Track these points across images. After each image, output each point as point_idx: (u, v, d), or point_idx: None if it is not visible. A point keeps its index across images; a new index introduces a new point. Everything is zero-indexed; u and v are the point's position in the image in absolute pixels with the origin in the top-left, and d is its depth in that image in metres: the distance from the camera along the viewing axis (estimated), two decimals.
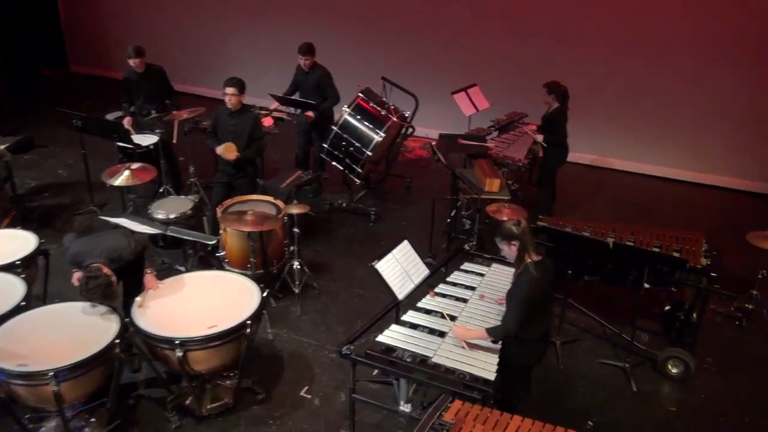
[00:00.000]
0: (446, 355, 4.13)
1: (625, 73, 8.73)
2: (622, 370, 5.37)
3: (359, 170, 7.37)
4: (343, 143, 7.24)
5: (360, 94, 7.37)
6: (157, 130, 7.50)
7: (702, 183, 8.89)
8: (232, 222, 5.43)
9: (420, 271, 4.85)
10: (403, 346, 4.21)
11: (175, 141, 7.38)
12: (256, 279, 5.79)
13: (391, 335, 4.32)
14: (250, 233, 5.60)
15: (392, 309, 4.62)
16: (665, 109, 8.72)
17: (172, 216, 5.86)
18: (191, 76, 11.05)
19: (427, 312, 4.61)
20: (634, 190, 8.77)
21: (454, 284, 4.94)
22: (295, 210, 5.77)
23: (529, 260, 4.06)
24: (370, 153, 7.22)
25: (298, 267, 6.06)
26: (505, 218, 5.72)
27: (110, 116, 7.79)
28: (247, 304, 4.69)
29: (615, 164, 9.27)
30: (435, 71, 9.46)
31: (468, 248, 5.34)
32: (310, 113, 7.36)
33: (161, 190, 7.27)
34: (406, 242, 4.90)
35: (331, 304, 6.17)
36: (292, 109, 7.74)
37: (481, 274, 5.07)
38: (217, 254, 6.09)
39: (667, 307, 5.93)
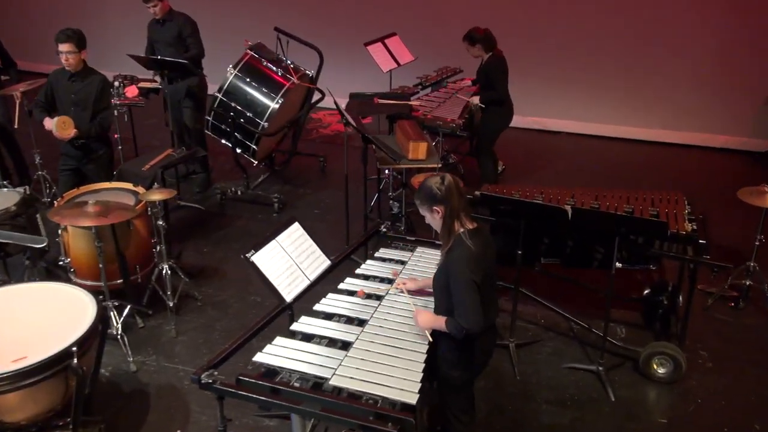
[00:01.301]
0: (349, 374, 3.27)
1: (578, 20, 8.09)
2: (595, 374, 4.66)
3: (254, 147, 6.48)
4: (231, 113, 6.34)
5: (249, 51, 6.48)
6: None
7: (675, 143, 8.39)
8: (67, 216, 4.45)
9: (317, 264, 3.99)
10: (289, 366, 3.34)
11: (16, 125, 6.40)
12: (114, 292, 4.96)
13: (274, 352, 3.45)
14: (97, 230, 4.63)
15: (278, 316, 3.73)
16: (628, 61, 8.14)
17: None
18: (32, 50, 9.83)
19: (327, 317, 3.75)
20: (598, 155, 8.21)
21: (366, 277, 4.10)
22: (156, 196, 4.83)
23: (461, 229, 3.25)
24: (265, 124, 6.33)
25: (169, 272, 5.11)
26: None
27: None
28: (75, 325, 3.74)
29: (572, 127, 8.66)
30: (344, 19, 8.64)
31: (385, 230, 4.50)
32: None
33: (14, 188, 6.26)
34: (296, 225, 4.04)
35: (218, 318, 5.27)
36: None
37: (402, 261, 4.24)
38: (60, 262, 5.10)
39: (646, 291, 5.29)
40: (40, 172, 6.50)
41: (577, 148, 8.46)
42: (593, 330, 4.95)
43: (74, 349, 3.57)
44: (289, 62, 6.59)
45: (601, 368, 4.63)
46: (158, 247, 5.10)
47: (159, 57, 6.26)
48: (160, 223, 4.98)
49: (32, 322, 3.84)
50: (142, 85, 6.72)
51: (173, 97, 6.74)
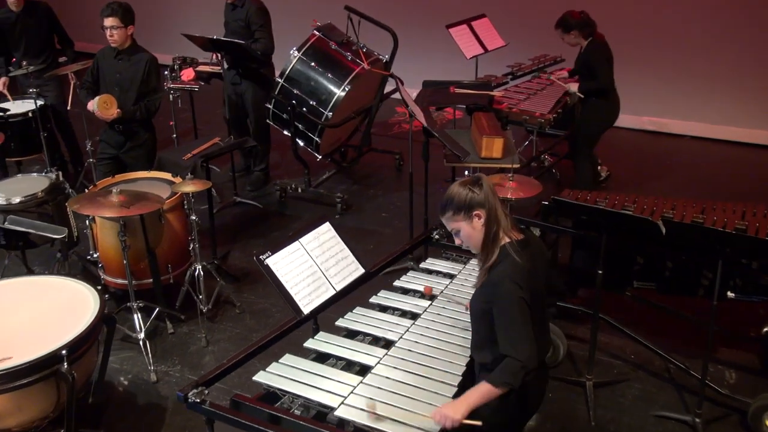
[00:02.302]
0: (361, 404, 2.96)
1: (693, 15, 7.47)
2: (690, 427, 4.14)
3: (317, 140, 6.28)
4: (292, 101, 6.16)
5: (316, 32, 6.30)
6: (46, 93, 6.63)
7: None
8: (87, 204, 4.38)
9: (348, 272, 3.72)
10: (293, 390, 3.08)
11: (69, 107, 6.52)
12: (144, 292, 4.93)
13: (279, 371, 3.21)
14: (125, 223, 4.54)
15: (294, 329, 3.48)
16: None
17: (15, 201, 4.87)
18: (89, 29, 9.96)
19: (351, 334, 3.48)
20: (731, 164, 7.55)
21: (405, 290, 3.79)
22: (188, 188, 4.69)
23: (507, 240, 2.88)
24: (329, 114, 6.13)
25: (202, 274, 4.97)
26: (507, 195, 4.60)
27: None
28: (72, 325, 3.63)
29: (698, 130, 8.05)
30: None
31: (438, 237, 4.17)
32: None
33: (45, 173, 6.37)
34: (327, 225, 3.78)
35: (255, 329, 5.10)
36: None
37: (451, 275, 3.90)
38: (89, 257, 5.08)
39: (766, 329, 4.65)
40: (91, 160, 6.57)
41: (703, 154, 7.78)
42: (692, 372, 4.40)
43: (63, 352, 3.46)
44: (361, 46, 6.36)
45: (698, 420, 4.10)
46: (191, 245, 4.97)
47: (215, 37, 6.17)
48: (194, 218, 4.85)
49: (25, 320, 3.77)
50: (202, 68, 6.68)
51: (232, 81, 6.67)
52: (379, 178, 7.18)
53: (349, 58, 6.24)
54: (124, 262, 4.60)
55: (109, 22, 5.27)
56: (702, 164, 7.53)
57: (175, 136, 6.61)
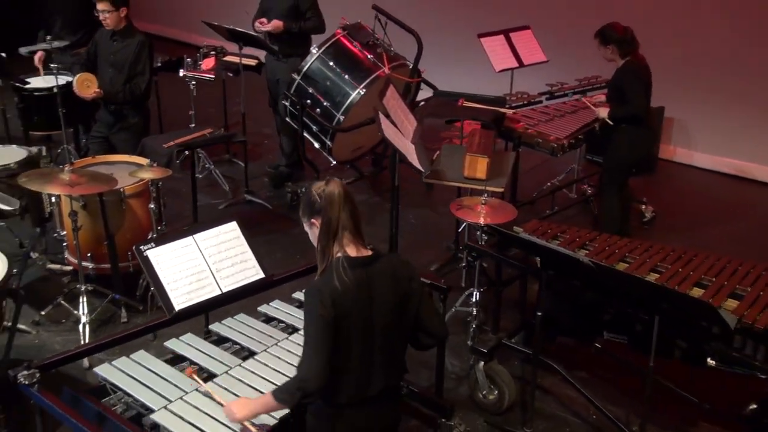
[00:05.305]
0: (182, 411, 2.95)
1: None
2: None
3: (329, 144, 6.30)
4: (306, 101, 6.21)
5: (340, 30, 6.33)
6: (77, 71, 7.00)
7: None
8: (36, 180, 4.57)
9: (245, 276, 3.70)
10: (124, 387, 3.10)
11: None
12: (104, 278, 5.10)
13: (122, 367, 3.25)
14: (86, 203, 4.74)
15: (166, 325, 3.51)
16: None
17: None
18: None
19: (220, 340, 3.47)
20: None
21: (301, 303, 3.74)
22: (147, 174, 4.83)
23: (339, 254, 2.78)
24: (341, 118, 6.13)
25: None
26: (478, 221, 4.46)
27: (25, 50, 7.37)
28: None
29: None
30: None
31: None
32: (278, 22, 6.43)
33: (59, 151, 6.72)
34: (233, 225, 3.79)
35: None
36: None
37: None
38: (55, 234, 5.32)
39: (751, 406, 4.22)
40: (83, 139, 6.80)
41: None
42: None
43: None
44: (388, 48, 6.32)
45: None
46: (151, 234, 5.09)
47: (232, 27, 6.33)
48: (152, 206, 4.98)
49: None
50: (230, 59, 6.85)
51: (271, 76, 6.80)
52: (403, 192, 7.06)
53: (371, 60, 6.22)
54: (74, 242, 4.79)
55: (100, 6, 5.56)
56: None
57: (193, 125, 6.80)
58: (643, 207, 6.51)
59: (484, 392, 4.37)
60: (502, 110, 5.60)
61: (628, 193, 6.01)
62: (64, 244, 5.26)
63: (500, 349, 4.49)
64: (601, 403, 4.26)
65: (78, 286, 4.89)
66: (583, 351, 4.61)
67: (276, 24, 6.42)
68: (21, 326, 4.87)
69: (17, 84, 6.53)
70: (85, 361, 4.73)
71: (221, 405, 2.95)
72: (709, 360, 3.91)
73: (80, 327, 4.82)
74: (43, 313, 5.03)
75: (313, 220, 2.85)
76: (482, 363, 4.35)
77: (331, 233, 2.79)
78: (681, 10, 7.42)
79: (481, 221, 4.48)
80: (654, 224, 6.56)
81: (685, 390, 4.30)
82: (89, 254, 5.08)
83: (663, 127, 7.61)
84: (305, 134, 6.47)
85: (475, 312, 4.92)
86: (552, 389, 4.58)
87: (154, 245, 3.52)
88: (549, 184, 6.79)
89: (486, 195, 4.62)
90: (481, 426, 4.34)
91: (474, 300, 4.97)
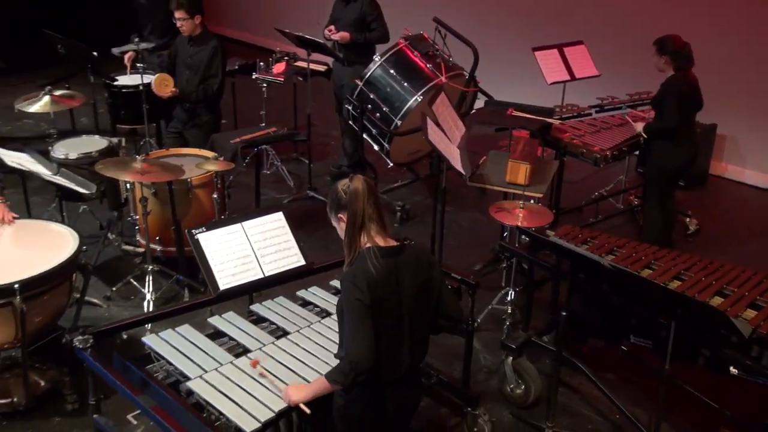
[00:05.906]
0: (215, 381, 3.22)
1: None
2: None
3: (387, 146, 6.53)
4: (369, 106, 6.46)
5: (402, 41, 6.55)
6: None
7: None
8: (109, 167, 4.95)
9: (287, 262, 3.95)
10: (167, 357, 3.39)
11: None
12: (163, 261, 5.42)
13: (168, 338, 3.54)
14: (156, 191, 5.12)
15: (208, 304, 3.80)
16: None
17: (72, 156, 5.58)
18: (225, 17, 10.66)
19: (259, 320, 3.74)
20: None
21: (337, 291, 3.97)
22: (213, 167, 5.16)
23: (368, 244, 3.00)
24: (398, 122, 6.35)
25: None
26: (515, 223, 4.62)
27: (117, 50, 7.83)
28: (38, 265, 4.15)
29: None
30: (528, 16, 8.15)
31: None
32: (345, 33, 6.73)
33: (142, 143, 7.16)
34: (278, 215, 4.06)
35: None
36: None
37: None
38: (129, 218, 5.71)
39: None
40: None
41: None
42: None
43: (16, 287, 3.97)
44: (447, 58, 6.52)
45: None
46: None
47: (301, 34, 6.63)
48: (214, 196, 5.30)
49: (9, 256, 4.35)
50: (300, 64, 7.15)
51: (337, 81, 7.08)
52: (457, 195, 7.23)
53: (430, 69, 6.42)
54: (144, 225, 5.16)
55: (177, 14, 5.93)
56: None
57: (263, 125, 7.12)
58: (688, 219, 6.52)
59: (512, 386, 4.53)
60: (549, 120, 5.72)
61: (673, 205, 6.04)
62: (136, 227, 5.64)
63: (530, 347, 4.65)
64: (624, 404, 4.38)
65: (146, 266, 5.25)
66: (611, 353, 4.74)
67: (343, 35, 6.71)
68: (94, 300, 5.30)
69: (107, 81, 6.98)
70: (147, 332, 5.09)
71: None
72: (731, 369, 3.98)
73: (144, 303, 5.18)
74: (114, 289, 5.42)
75: (340, 215, 3.05)
76: (511, 358, 4.50)
77: (358, 225, 3.00)
78: (736, 32, 7.37)
79: (518, 224, 4.64)
80: (698, 237, 6.56)
81: (707, 397, 4.38)
82: (158, 237, 5.43)
83: (715, 144, 7.58)
84: (365, 136, 6.72)
85: (510, 310, 5.11)
86: (579, 388, 4.71)
87: (204, 229, 3.81)
88: (596, 194, 6.88)
89: (528, 200, 4.77)
90: (506, 418, 4.50)
91: (509, 299, 5.15)
